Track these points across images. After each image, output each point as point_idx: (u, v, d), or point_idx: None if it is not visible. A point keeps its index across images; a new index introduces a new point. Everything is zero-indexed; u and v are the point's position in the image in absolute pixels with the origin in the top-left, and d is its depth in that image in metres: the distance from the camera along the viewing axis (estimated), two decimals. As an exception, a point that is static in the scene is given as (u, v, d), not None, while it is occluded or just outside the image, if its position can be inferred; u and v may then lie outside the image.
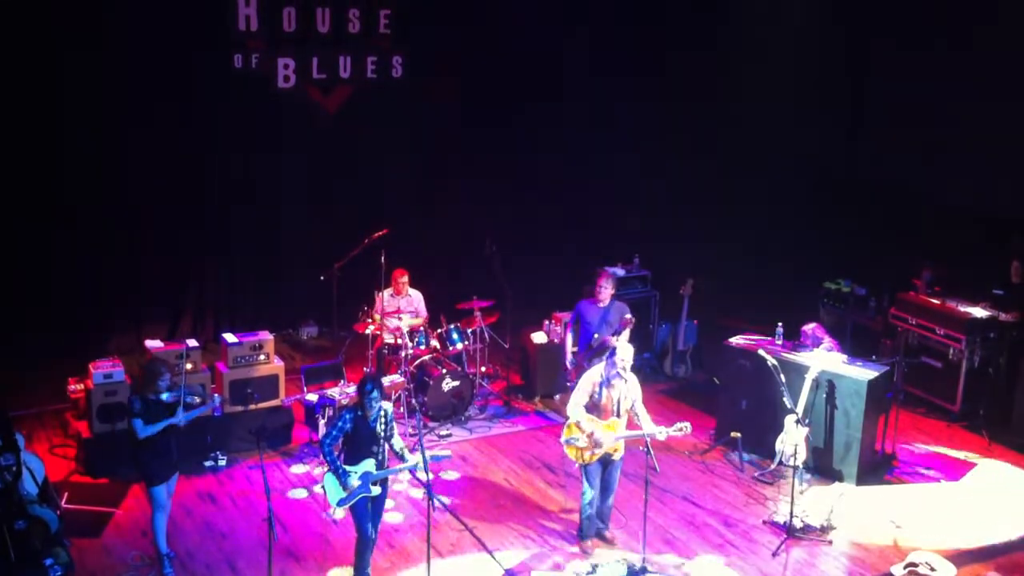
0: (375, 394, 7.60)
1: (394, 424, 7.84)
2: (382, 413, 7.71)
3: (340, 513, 8.42)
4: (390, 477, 8.32)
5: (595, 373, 8.51)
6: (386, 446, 7.80)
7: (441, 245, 14.02)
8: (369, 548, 7.92)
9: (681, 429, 8.33)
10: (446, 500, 9.23)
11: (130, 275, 12.45)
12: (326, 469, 7.74)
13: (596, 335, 10.19)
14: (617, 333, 10.16)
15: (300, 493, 9.54)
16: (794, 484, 9.24)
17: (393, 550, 8.66)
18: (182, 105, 12.16)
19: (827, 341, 10.38)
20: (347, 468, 7.67)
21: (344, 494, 7.66)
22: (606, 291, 10.29)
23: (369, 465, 7.69)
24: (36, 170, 11.64)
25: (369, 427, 7.67)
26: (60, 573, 7.70)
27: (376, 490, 7.79)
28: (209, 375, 10.24)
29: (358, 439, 7.68)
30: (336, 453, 7.70)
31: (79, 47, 11.50)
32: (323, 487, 7.81)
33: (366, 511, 7.79)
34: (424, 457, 7.58)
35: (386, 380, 10.57)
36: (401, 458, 7.86)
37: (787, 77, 13.87)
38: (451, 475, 9.97)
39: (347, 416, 7.67)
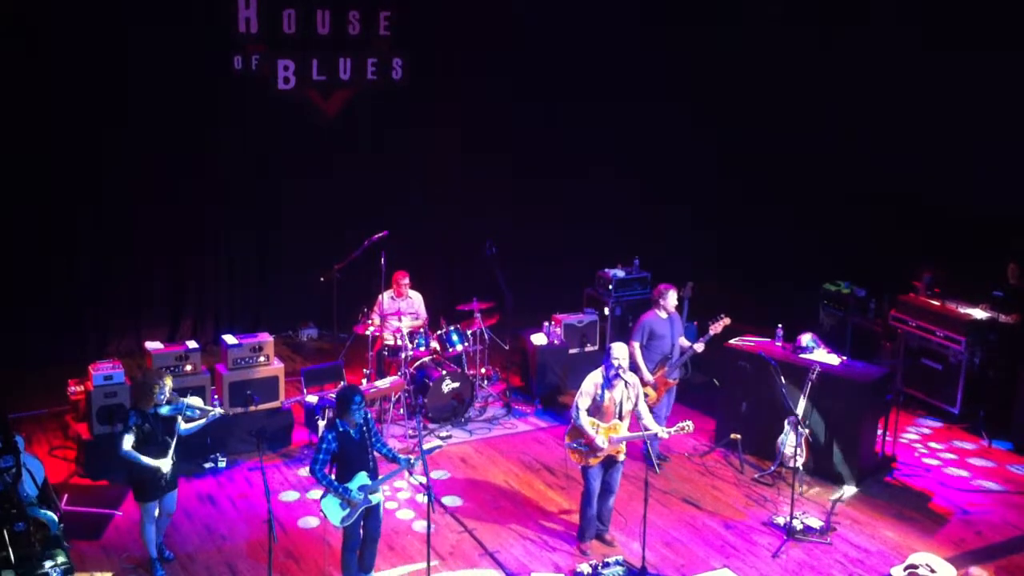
0: (360, 403, 7.56)
1: (375, 428, 7.80)
2: (363, 423, 7.66)
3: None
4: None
5: (596, 375, 8.51)
6: (373, 452, 7.75)
7: (441, 247, 14.01)
8: (356, 549, 7.85)
9: (683, 428, 8.36)
10: (457, 500, 9.17)
11: (130, 276, 12.48)
12: (322, 493, 7.68)
13: (674, 347, 10.09)
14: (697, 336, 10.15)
15: (292, 496, 9.55)
16: (794, 486, 9.25)
17: (393, 552, 8.66)
18: (182, 106, 12.17)
19: (823, 349, 10.37)
20: (345, 486, 7.62)
21: (345, 512, 7.63)
22: (674, 301, 10.14)
23: (363, 478, 7.65)
24: (35, 171, 11.65)
25: (354, 440, 7.62)
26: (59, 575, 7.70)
27: (376, 498, 7.77)
28: (209, 377, 10.23)
29: (346, 455, 7.61)
30: (329, 474, 7.65)
31: (78, 48, 11.50)
32: (322, 510, 7.73)
33: (359, 516, 7.75)
34: (425, 461, 7.56)
35: (386, 381, 10.58)
36: (394, 460, 7.83)
37: (786, 76, 13.87)
38: (441, 474, 9.93)
39: (329, 437, 7.57)
